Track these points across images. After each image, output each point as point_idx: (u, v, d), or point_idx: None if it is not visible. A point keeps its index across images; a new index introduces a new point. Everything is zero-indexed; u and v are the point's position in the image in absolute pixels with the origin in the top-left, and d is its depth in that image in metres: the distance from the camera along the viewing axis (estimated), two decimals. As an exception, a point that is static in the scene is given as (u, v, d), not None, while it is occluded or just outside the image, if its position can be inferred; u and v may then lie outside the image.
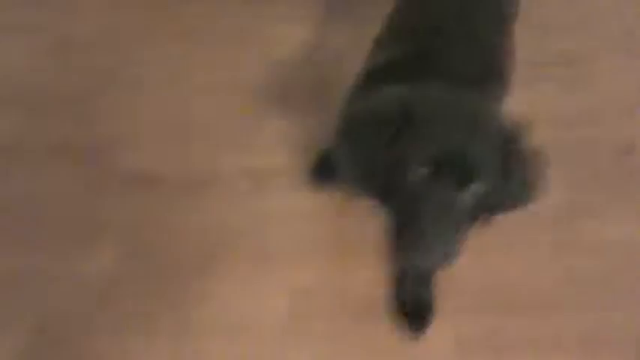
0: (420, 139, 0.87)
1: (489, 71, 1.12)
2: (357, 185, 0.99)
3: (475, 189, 0.91)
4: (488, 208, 0.97)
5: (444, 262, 0.92)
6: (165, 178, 1.80)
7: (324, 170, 1.60)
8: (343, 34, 2.07)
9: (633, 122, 1.86)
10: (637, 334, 1.54)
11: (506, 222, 1.14)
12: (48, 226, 1.74)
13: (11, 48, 2.11)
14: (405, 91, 0.93)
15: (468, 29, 1.13)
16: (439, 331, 1.51)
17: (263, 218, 1.71)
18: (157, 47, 2.09)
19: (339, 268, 1.59)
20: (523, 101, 1.40)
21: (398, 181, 0.91)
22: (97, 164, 1.83)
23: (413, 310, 1.46)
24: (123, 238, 1.70)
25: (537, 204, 1.08)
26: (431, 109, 0.89)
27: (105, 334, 1.58)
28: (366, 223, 1.61)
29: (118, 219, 1.73)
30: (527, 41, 1.59)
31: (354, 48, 1.61)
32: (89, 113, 1.94)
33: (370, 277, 1.58)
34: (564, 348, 1.52)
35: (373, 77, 1.04)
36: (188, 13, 2.18)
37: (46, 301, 1.62)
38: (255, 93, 1.93)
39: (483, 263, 1.59)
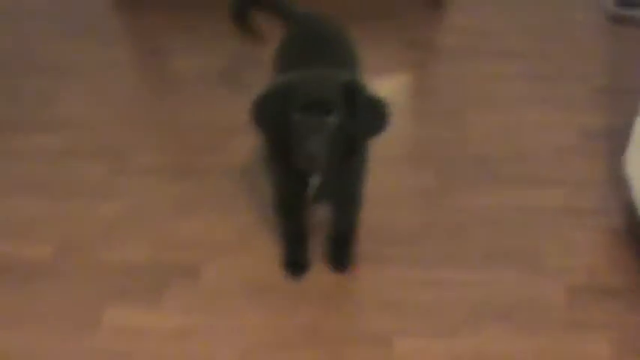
0: (298, 95, 1.45)
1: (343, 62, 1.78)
2: (267, 136, 1.56)
3: (333, 118, 1.45)
4: (351, 136, 1.51)
5: (325, 165, 1.44)
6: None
7: None
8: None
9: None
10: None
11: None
12: None
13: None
14: (288, 75, 1.53)
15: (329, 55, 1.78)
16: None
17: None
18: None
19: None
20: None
21: (289, 120, 1.47)
22: None
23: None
24: None
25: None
26: (302, 78, 1.48)
27: None
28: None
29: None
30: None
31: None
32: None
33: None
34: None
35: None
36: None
37: None
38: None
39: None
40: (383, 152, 2.02)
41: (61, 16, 2.91)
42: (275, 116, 1.50)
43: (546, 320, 1.72)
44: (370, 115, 1.53)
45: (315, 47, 1.82)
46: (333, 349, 1.66)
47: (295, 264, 1.85)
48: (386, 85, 2.57)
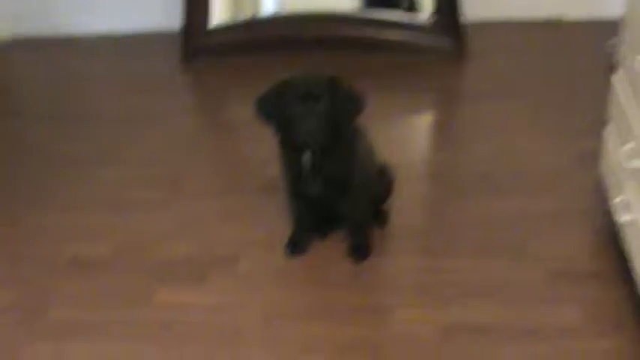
0: (294, 89, 1.93)
1: None
2: (269, 125, 2.01)
3: (321, 104, 1.92)
4: (339, 115, 1.95)
5: (320, 140, 1.93)
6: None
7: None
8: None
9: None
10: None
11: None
12: None
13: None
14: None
15: None
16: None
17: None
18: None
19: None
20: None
21: (287, 109, 1.93)
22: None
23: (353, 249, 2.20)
24: None
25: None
26: (295, 77, 1.97)
27: None
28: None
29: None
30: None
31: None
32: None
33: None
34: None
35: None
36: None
37: None
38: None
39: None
40: (400, 172, 2.36)
41: (135, 77, 3.43)
42: (275, 108, 1.97)
43: (526, 296, 2.00)
44: (348, 103, 1.99)
45: None
46: (342, 317, 1.98)
47: (294, 244, 2.22)
48: (411, 122, 2.94)
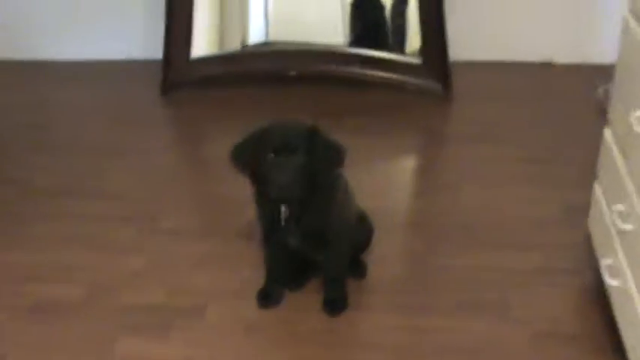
0: (270, 139, 1.83)
1: None
2: (244, 174, 1.92)
3: (298, 156, 1.82)
4: (317, 168, 1.84)
5: (295, 194, 1.84)
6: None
7: None
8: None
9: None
10: None
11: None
12: None
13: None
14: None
15: None
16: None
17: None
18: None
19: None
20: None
21: (262, 161, 1.83)
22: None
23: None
24: None
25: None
26: (273, 126, 1.87)
27: None
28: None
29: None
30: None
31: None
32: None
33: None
34: None
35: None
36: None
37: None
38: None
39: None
40: (381, 220, 2.27)
41: (115, 109, 3.33)
42: (251, 157, 1.87)
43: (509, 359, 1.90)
44: (328, 154, 1.88)
45: None
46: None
47: (266, 295, 2.11)
48: (393, 165, 2.86)
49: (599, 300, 2.03)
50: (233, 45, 3.43)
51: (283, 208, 1.92)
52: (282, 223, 1.94)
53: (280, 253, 2.08)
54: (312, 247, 2.04)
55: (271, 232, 2.01)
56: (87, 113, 3.30)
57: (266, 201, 1.94)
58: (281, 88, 3.32)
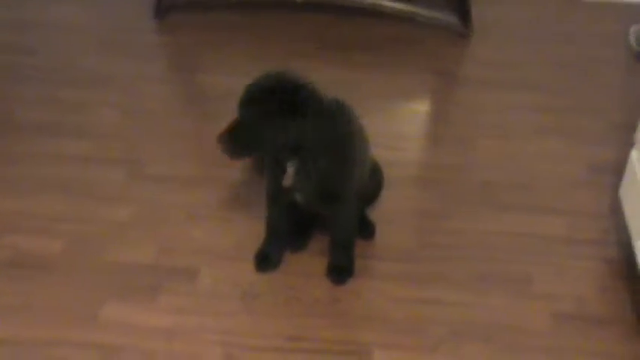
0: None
1: None
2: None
3: (248, 111, 1.65)
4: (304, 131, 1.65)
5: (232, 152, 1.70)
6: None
7: None
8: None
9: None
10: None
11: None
12: None
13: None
14: None
15: None
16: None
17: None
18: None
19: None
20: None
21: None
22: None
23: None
24: None
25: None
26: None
27: None
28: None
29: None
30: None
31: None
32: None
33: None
34: None
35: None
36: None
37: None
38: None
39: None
40: (390, 172, 2.08)
41: (104, 33, 3.07)
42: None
43: (528, 345, 1.75)
44: (317, 122, 1.66)
45: None
46: (315, 356, 1.72)
47: (265, 257, 1.95)
48: (405, 111, 2.64)
49: (629, 279, 1.87)
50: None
51: (292, 162, 1.73)
52: (290, 176, 1.76)
53: (284, 209, 1.90)
54: (322, 204, 1.85)
55: (277, 187, 1.82)
56: (73, 36, 3.04)
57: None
58: (285, 15, 3.07)
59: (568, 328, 1.78)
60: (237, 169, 2.25)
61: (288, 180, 1.76)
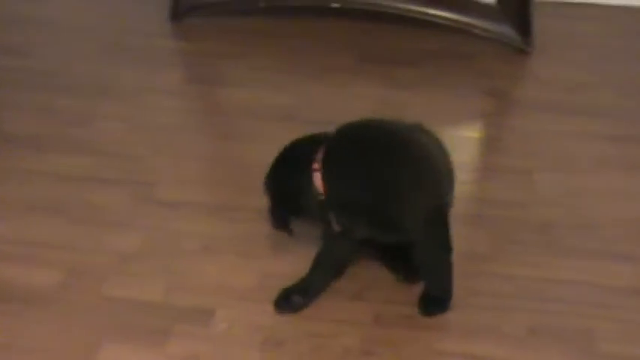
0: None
1: None
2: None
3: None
4: None
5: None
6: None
7: None
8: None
9: None
10: None
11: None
12: None
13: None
14: None
15: None
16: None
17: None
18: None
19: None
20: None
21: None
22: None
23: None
24: None
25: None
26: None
27: None
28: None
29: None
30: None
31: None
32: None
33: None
34: None
35: None
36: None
37: None
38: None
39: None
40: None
41: (110, 36, 3.16)
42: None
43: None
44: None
45: None
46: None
47: (286, 295, 2.00)
48: (453, 135, 2.69)
49: None
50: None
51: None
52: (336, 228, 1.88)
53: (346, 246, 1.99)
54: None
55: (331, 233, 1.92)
56: (75, 39, 3.16)
57: None
58: (318, 23, 3.16)
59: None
60: (259, 197, 2.31)
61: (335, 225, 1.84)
